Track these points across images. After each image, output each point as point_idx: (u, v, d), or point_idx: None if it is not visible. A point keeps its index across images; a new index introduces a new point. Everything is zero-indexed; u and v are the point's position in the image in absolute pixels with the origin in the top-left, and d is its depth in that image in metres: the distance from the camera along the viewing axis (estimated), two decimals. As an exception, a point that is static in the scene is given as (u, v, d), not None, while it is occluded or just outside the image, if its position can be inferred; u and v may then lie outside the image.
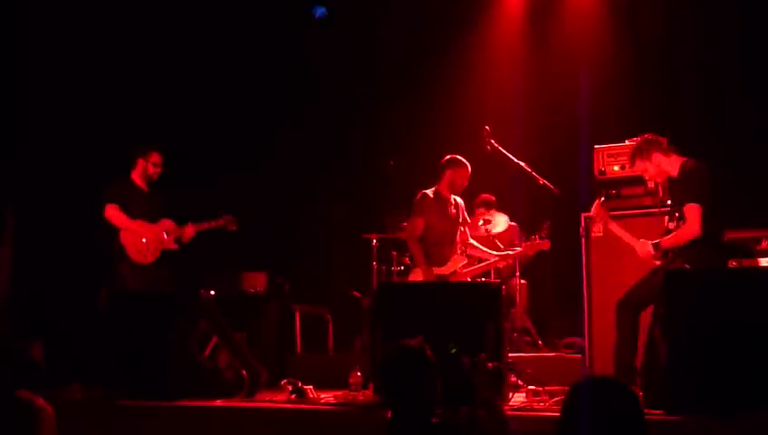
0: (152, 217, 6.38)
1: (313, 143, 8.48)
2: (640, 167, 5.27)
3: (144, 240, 6.27)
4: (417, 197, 6.33)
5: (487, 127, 6.54)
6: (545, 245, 6.32)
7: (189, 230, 6.41)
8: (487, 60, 8.39)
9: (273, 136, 8.55)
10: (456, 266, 6.24)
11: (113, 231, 6.31)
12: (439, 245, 6.28)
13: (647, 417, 4.09)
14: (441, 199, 6.34)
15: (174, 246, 6.40)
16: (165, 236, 6.35)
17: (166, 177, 6.79)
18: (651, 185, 5.62)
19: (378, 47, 8.40)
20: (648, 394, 4.52)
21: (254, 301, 7.23)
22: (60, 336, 6.52)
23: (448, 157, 6.38)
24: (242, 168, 8.47)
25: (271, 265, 7.61)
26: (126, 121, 7.77)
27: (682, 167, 5.08)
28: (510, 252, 6.53)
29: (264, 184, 8.50)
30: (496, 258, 6.45)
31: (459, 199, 6.45)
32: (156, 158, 6.46)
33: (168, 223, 6.40)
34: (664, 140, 5.19)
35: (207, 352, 5.55)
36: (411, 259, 6.51)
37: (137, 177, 6.47)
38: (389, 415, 3.47)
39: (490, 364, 4.42)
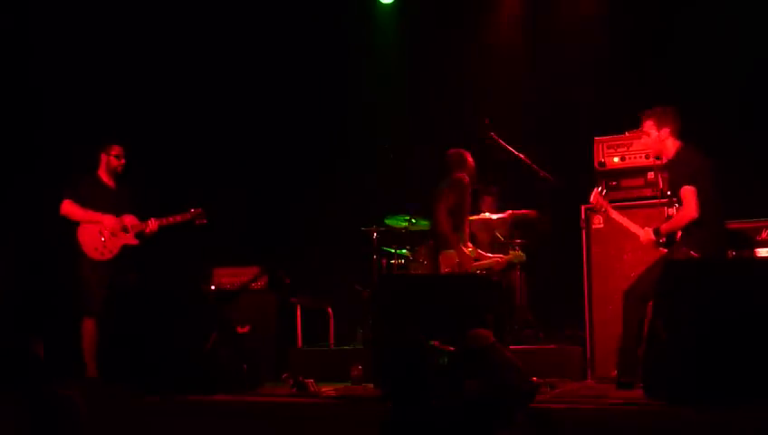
0: (116, 214, 6.33)
1: (313, 134, 8.48)
2: (646, 128, 5.28)
3: (102, 238, 6.22)
4: (455, 176, 6.43)
5: (487, 119, 6.53)
6: (520, 257, 6.54)
7: (152, 225, 6.34)
8: (487, 51, 8.37)
9: (275, 130, 8.55)
10: (466, 254, 6.34)
11: (71, 229, 6.26)
12: (462, 227, 6.44)
13: (648, 408, 4.17)
14: (466, 186, 6.48)
15: (134, 242, 6.32)
16: (125, 232, 6.29)
17: (160, 172, 6.79)
18: (649, 149, 5.56)
19: (377, 37, 8.38)
20: (649, 385, 4.52)
21: (256, 294, 7.24)
22: (59, 332, 6.52)
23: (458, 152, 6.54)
24: (244, 160, 8.48)
25: (272, 259, 7.61)
26: (117, 118, 7.79)
27: (678, 151, 5.13)
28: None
29: (264, 176, 8.51)
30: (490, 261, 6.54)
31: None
32: (117, 150, 6.40)
33: (129, 218, 6.33)
34: (678, 122, 5.20)
35: (209, 346, 5.55)
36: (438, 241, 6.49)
37: (102, 173, 6.44)
38: (390, 405, 3.50)
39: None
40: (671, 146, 5.18)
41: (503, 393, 3.61)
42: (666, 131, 5.18)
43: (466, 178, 6.43)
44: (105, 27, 7.97)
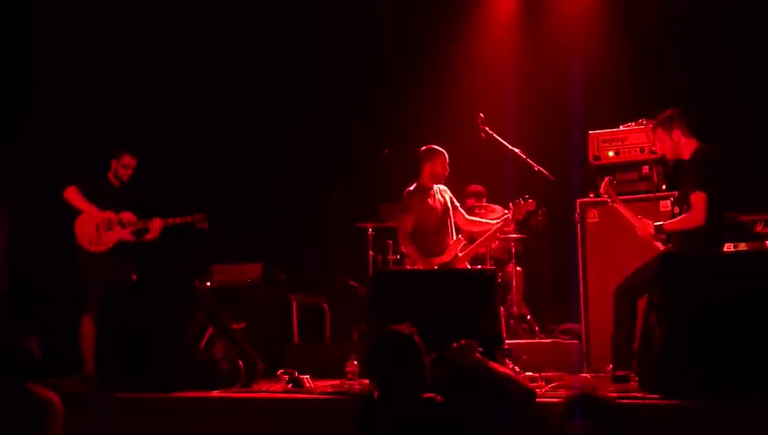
0: (117, 210, 6.39)
1: (309, 132, 8.48)
2: (659, 137, 5.25)
3: (97, 231, 6.30)
4: (403, 195, 6.36)
5: (481, 114, 6.52)
6: (531, 205, 6.20)
7: (156, 224, 6.42)
8: (481, 47, 8.38)
9: (269, 126, 8.55)
10: (456, 250, 6.24)
11: (70, 219, 6.33)
12: (436, 234, 6.29)
13: (643, 402, 4.17)
14: (425, 192, 6.36)
15: (131, 238, 6.38)
16: (121, 227, 6.35)
17: (158, 170, 6.79)
18: (666, 155, 5.49)
19: (373, 35, 8.39)
20: (643, 379, 4.53)
21: (251, 291, 7.24)
22: (57, 329, 6.52)
23: (423, 148, 6.38)
24: (239, 158, 8.48)
25: (268, 255, 7.62)
26: (125, 118, 7.79)
27: (695, 152, 5.08)
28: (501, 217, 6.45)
29: (260, 174, 8.51)
30: (496, 225, 6.33)
31: (442, 187, 6.45)
32: (126, 160, 6.48)
33: (127, 215, 6.40)
34: (685, 120, 5.18)
35: (204, 342, 5.54)
36: (407, 256, 6.50)
37: (110, 176, 6.52)
38: (375, 396, 3.53)
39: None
40: (686, 146, 5.13)
41: (496, 404, 3.64)
42: (677, 133, 5.13)
43: (427, 183, 6.33)
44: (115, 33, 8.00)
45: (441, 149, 6.35)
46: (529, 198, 6.19)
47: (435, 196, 6.38)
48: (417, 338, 3.59)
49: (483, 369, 3.80)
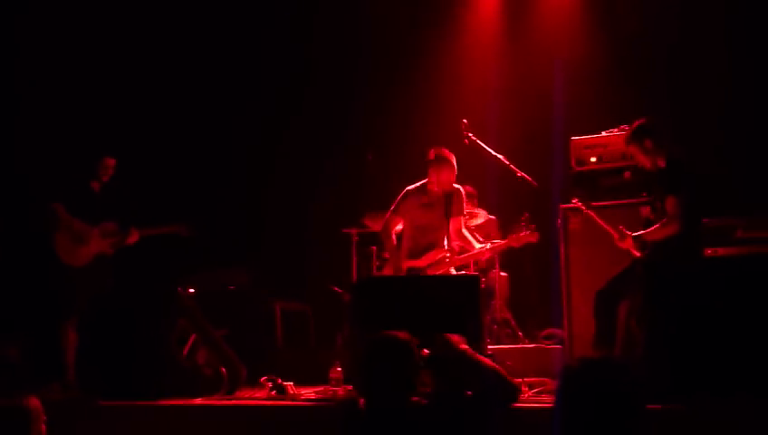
0: (96, 218, 6.39)
1: (293, 138, 8.47)
2: (633, 149, 5.32)
3: (76, 245, 6.30)
4: (401, 194, 6.30)
5: (465, 120, 6.52)
6: (533, 237, 6.09)
7: (133, 236, 6.42)
8: (464, 53, 8.41)
9: (253, 132, 8.54)
10: (434, 259, 6.16)
11: (48, 232, 6.33)
12: (424, 238, 6.24)
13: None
14: (426, 194, 6.26)
15: (109, 251, 6.38)
16: (101, 239, 6.35)
17: (141, 174, 6.77)
18: (644, 165, 5.50)
19: (357, 42, 8.39)
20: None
21: (235, 297, 7.22)
22: (38, 337, 6.48)
23: (433, 154, 6.23)
24: (223, 164, 8.46)
25: (251, 261, 7.59)
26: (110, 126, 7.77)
27: (669, 160, 5.13)
28: (495, 242, 6.40)
29: (244, 179, 8.49)
30: (481, 249, 6.24)
31: (452, 191, 6.26)
32: (106, 161, 6.49)
33: (109, 226, 6.40)
34: (663, 129, 5.23)
35: (186, 350, 5.52)
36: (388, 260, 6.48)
37: (91, 180, 6.51)
38: (361, 401, 3.53)
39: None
40: (660, 155, 5.19)
41: (481, 397, 3.65)
42: (649, 143, 5.20)
43: (430, 187, 6.23)
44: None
45: (449, 158, 6.19)
46: (533, 227, 6.06)
47: (435, 199, 6.23)
48: (412, 346, 3.59)
49: (469, 360, 3.81)
